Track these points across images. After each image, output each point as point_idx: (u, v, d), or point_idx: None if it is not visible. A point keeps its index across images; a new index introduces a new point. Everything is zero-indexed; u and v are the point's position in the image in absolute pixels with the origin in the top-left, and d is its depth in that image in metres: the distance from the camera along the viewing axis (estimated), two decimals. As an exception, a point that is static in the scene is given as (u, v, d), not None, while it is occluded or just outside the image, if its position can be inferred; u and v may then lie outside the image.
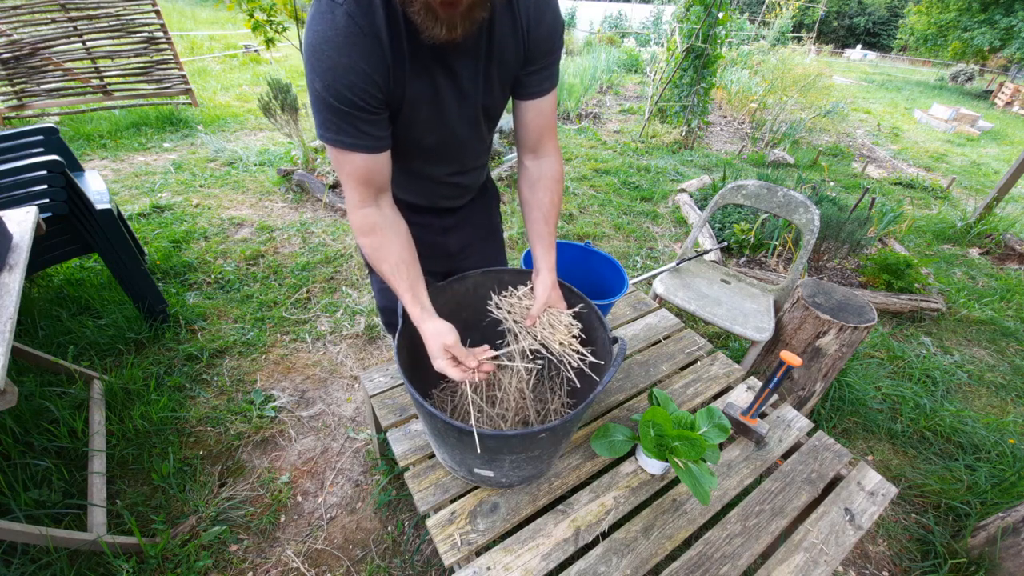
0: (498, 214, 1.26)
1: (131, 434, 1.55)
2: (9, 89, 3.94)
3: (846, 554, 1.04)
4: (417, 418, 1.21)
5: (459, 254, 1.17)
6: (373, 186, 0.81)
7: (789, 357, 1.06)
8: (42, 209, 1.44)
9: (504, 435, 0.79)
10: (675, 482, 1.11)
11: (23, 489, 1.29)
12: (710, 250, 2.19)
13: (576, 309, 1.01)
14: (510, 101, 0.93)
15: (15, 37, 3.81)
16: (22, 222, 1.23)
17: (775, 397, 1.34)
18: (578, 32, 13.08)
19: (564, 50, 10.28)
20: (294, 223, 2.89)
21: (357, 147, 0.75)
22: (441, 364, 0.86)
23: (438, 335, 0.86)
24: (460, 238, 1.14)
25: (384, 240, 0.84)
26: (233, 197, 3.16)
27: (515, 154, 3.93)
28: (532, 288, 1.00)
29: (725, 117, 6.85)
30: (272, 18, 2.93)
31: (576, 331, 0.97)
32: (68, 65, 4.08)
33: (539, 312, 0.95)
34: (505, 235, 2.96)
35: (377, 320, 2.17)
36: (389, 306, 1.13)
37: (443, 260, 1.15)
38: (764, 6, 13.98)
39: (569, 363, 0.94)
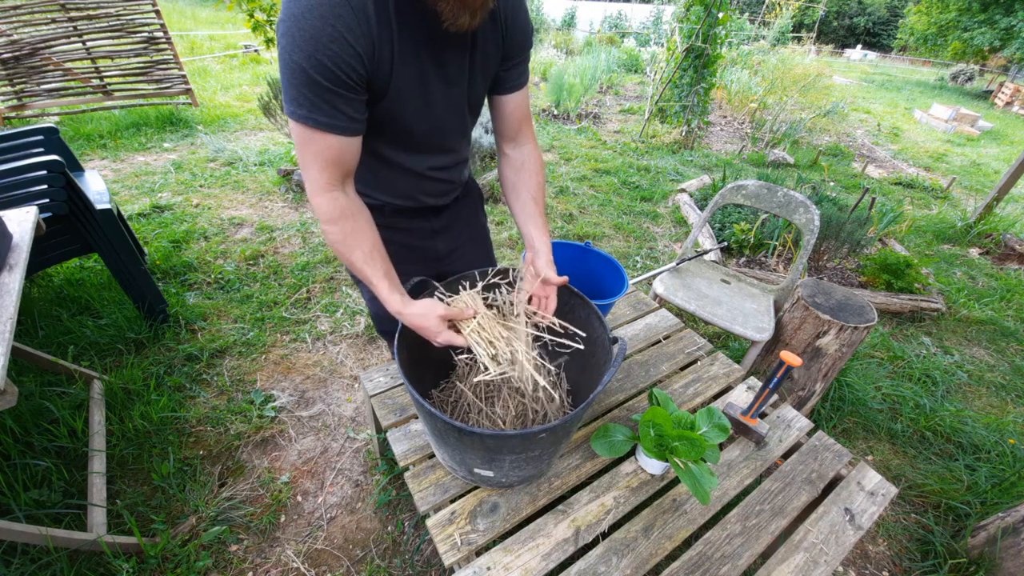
0: (484, 214, 1.26)
1: (131, 434, 1.55)
2: (9, 89, 3.94)
3: (846, 554, 1.04)
4: (417, 418, 1.21)
5: (448, 256, 1.15)
6: (341, 169, 0.77)
7: (789, 357, 1.06)
8: (42, 209, 1.44)
9: (504, 435, 0.79)
10: (675, 482, 1.11)
11: (23, 489, 1.29)
12: (710, 250, 2.19)
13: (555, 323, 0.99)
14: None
15: (15, 37, 3.81)
16: (22, 222, 1.23)
17: (775, 397, 1.34)
18: (578, 32, 13.07)
19: (564, 50, 10.26)
20: (294, 223, 2.89)
21: (331, 127, 0.71)
22: (445, 337, 0.86)
23: (428, 312, 0.85)
24: (448, 240, 1.13)
25: (356, 226, 0.81)
26: (233, 197, 3.16)
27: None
28: (523, 273, 0.98)
29: (725, 117, 6.85)
30: (272, 18, 2.93)
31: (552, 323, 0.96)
32: (68, 65, 4.08)
33: (535, 288, 0.94)
34: (505, 235, 2.96)
35: (377, 320, 2.17)
36: (384, 314, 1.04)
37: (432, 263, 1.14)
38: (764, 6, 13.98)
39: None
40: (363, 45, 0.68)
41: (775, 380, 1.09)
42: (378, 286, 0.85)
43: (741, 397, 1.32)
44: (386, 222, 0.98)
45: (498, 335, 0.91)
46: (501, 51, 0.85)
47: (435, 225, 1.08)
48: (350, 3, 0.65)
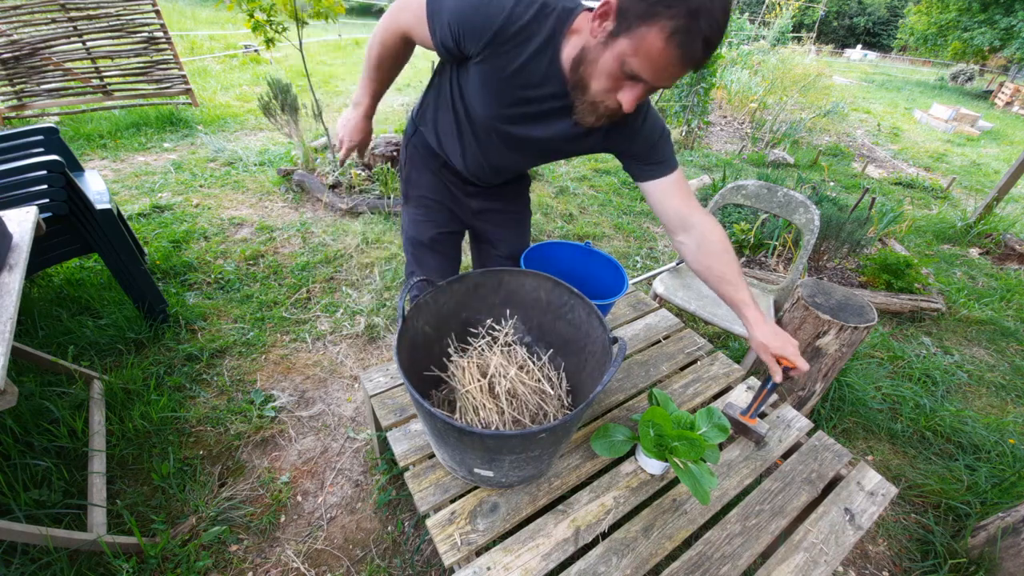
0: (526, 196, 1.37)
1: (131, 434, 1.55)
2: (9, 89, 3.94)
3: (846, 554, 1.04)
4: (417, 418, 1.21)
5: (479, 214, 1.28)
6: (408, 35, 0.95)
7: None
8: (42, 209, 1.44)
9: (504, 435, 0.79)
10: (675, 482, 1.11)
11: (23, 489, 1.29)
12: (710, 250, 2.18)
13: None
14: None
15: (15, 37, 3.80)
16: (22, 222, 1.23)
17: (774, 397, 1.34)
18: (578, 32, 13.01)
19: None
20: (294, 223, 2.89)
21: (430, 21, 0.85)
22: (346, 137, 1.17)
23: (353, 117, 1.16)
24: (482, 201, 1.26)
25: (392, 55, 1.02)
26: (233, 197, 3.16)
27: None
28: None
29: (725, 117, 6.85)
30: (272, 18, 2.92)
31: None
32: (68, 65, 4.07)
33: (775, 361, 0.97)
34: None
35: (377, 320, 2.17)
36: (417, 237, 1.29)
37: (466, 213, 1.28)
38: (764, 6, 13.98)
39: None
40: (491, 33, 0.81)
41: (771, 380, 1.09)
42: (361, 83, 1.12)
43: (741, 397, 1.32)
44: (438, 165, 1.19)
45: (483, 404, 1.03)
46: (605, 150, 1.00)
47: (469, 189, 1.23)
48: (526, 24, 0.79)
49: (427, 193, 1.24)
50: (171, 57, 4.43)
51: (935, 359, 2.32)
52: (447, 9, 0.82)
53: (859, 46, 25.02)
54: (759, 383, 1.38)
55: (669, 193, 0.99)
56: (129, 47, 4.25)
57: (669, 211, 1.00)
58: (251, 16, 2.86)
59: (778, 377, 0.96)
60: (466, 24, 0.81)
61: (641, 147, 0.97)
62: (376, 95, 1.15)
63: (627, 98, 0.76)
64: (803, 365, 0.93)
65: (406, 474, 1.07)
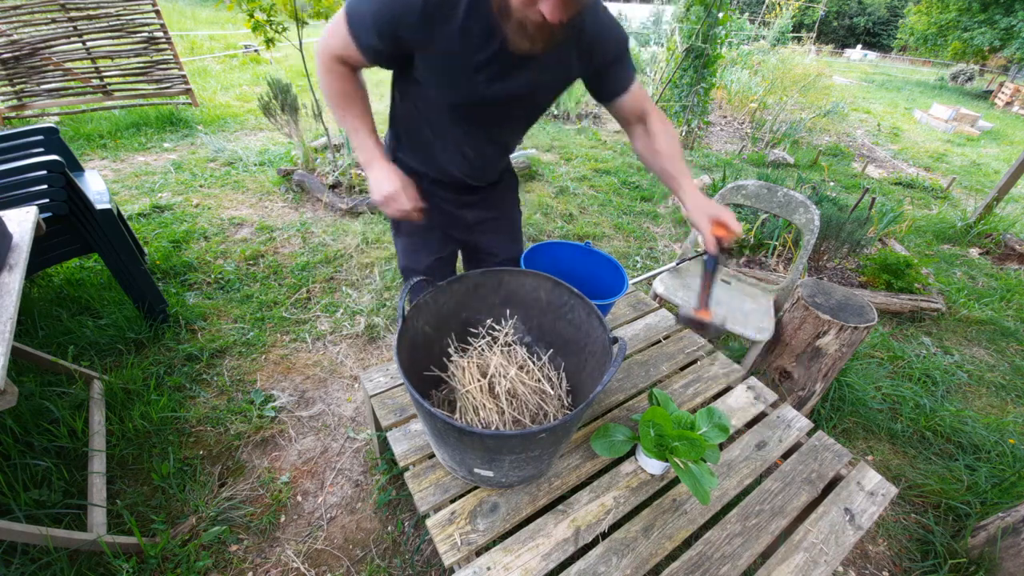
0: (516, 200, 1.35)
1: (131, 434, 1.55)
2: (9, 89, 3.94)
3: (846, 554, 1.04)
4: (417, 418, 1.21)
5: (476, 226, 1.26)
6: (347, 62, 0.92)
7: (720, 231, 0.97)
8: (42, 209, 1.44)
9: (504, 435, 0.79)
10: (675, 482, 1.11)
11: (23, 489, 1.29)
12: (710, 250, 2.18)
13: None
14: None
15: (15, 37, 3.81)
16: (22, 222, 1.23)
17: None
18: (578, 32, 12.99)
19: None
20: (294, 223, 2.89)
21: (356, 37, 0.85)
22: (400, 206, 1.00)
23: (395, 175, 1.00)
24: (478, 212, 1.24)
25: (346, 79, 0.95)
26: (233, 197, 3.16)
27: (519, 151, 3.93)
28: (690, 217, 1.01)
29: (725, 117, 6.85)
30: (272, 18, 2.91)
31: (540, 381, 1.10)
32: (68, 65, 4.08)
33: (711, 227, 0.97)
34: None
35: (377, 320, 2.17)
36: (412, 267, 1.26)
37: (461, 229, 1.26)
38: (764, 6, 13.98)
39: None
40: (419, 10, 0.79)
41: (710, 259, 0.99)
42: (366, 138, 1.00)
43: (740, 396, 1.32)
44: (425, 188, 1.11)
45: (483, 404, 1.02)
46: (583, 72, 0.97)
47: (465, 199, 1.19)
48: None
49: (417, 221, 1.19)
50: (171, 57, 4.43)
51: (935, 359, 2.32)
52: (368, 13, 0.82)
53: (859, 46, 25.01)
54: (759, 383, 1.38)
55: (635, 99, 1.03)
56: (129, 47, 4.26)
57: (632, 115, 1.05)
58: (251, 16, 2.86)
59: (713, 248, 0.96)
60: (391, 15, 0.81)
61: (614, 50, 0.95)
62: (372, 132, 1.05)
63: (547, 6, 0.73)
64: (737, 228, 0.96)
65: (406, 474, 1.07)
